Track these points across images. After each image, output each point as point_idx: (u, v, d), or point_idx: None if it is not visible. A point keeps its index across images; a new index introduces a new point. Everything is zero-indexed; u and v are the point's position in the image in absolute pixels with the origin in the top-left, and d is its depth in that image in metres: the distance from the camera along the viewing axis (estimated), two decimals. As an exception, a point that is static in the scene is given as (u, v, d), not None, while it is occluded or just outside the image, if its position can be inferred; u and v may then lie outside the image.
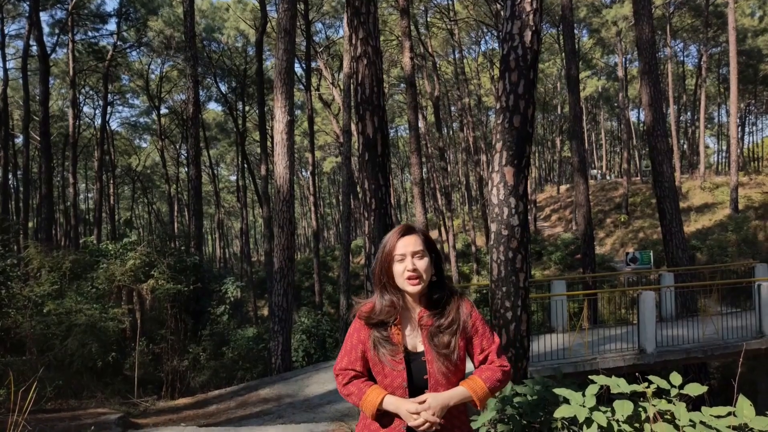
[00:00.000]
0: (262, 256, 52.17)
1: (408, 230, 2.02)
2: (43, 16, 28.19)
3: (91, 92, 40.15)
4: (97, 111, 41.26)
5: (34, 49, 24.42)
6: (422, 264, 1.95)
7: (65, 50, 32.16)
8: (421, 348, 1.98)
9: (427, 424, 1.86)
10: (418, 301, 2.02)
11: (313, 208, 35.98)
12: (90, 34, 33.45)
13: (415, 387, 1.95)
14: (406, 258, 1.95)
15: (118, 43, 33.72)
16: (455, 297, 2.05)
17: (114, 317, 10.02)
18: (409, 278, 1.94)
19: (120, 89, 40.69)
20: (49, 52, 24.79)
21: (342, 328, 16.63)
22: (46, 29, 29.83)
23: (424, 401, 1.87)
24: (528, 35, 4.89)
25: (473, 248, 33.91)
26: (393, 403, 1.92)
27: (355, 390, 2.00)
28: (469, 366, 2.06)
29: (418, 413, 1.86)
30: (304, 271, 41.46)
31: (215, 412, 7.77)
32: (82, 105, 38.87)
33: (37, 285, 10.62)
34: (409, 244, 1.97)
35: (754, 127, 63.79)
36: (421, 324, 1.99)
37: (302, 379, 8.97)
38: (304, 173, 58.62)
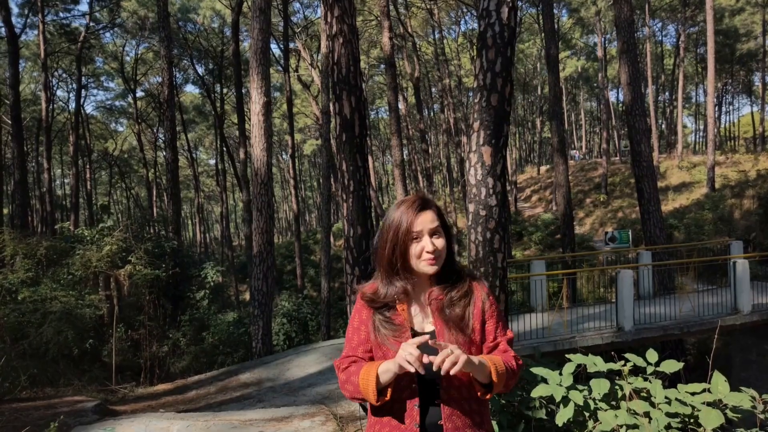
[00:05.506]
0: (243, 240, 51.78)
1: (425, 204, 1.75)
2: (11, -4, 27.25)
3: (64, 75, 39.10)
4: (71, 94, 40.30)
5: (2, 30, 23.64)
6: (440, 243, 1.73)
7: (36, 32, 31.24)
8: (430, 328, 1.76)
9: (446, 362, 1.49)
10: (428, 280, 1.81)
11: (293, 192, 35.75)
12: (61, 14, 32.51)
13: (424, 377, 1.66)
14: (423, 237, 1.72)
15: (91, 24, 32.80)
16: (464, 273, 1.85)
17: (90, 304, 9.86)
18: (428, 260, 1.71)
19: (94, 72, 39.71)
20: (18, 33, 24.04)
21: (324, 311, 16.59)
22: (15, 9, 28.93)
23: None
24: (505, 12, 4.80)
25: (455, 230, 34.00)
26: (388, 363, 1.61)
27: (354, 369, 1.73)
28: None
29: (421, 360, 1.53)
30: (286, 255, 41.27)
31: (195, 398, 7.70)
32: (55, 88, 37.93)
33: (10, 272, 10.40)
34: (426, 221, 1.72)
35: (731, 107, 64.43)
36: (431, 299, 1.77)
37: (283, 363, 8.92)
38: (284, 156, 58.12)
